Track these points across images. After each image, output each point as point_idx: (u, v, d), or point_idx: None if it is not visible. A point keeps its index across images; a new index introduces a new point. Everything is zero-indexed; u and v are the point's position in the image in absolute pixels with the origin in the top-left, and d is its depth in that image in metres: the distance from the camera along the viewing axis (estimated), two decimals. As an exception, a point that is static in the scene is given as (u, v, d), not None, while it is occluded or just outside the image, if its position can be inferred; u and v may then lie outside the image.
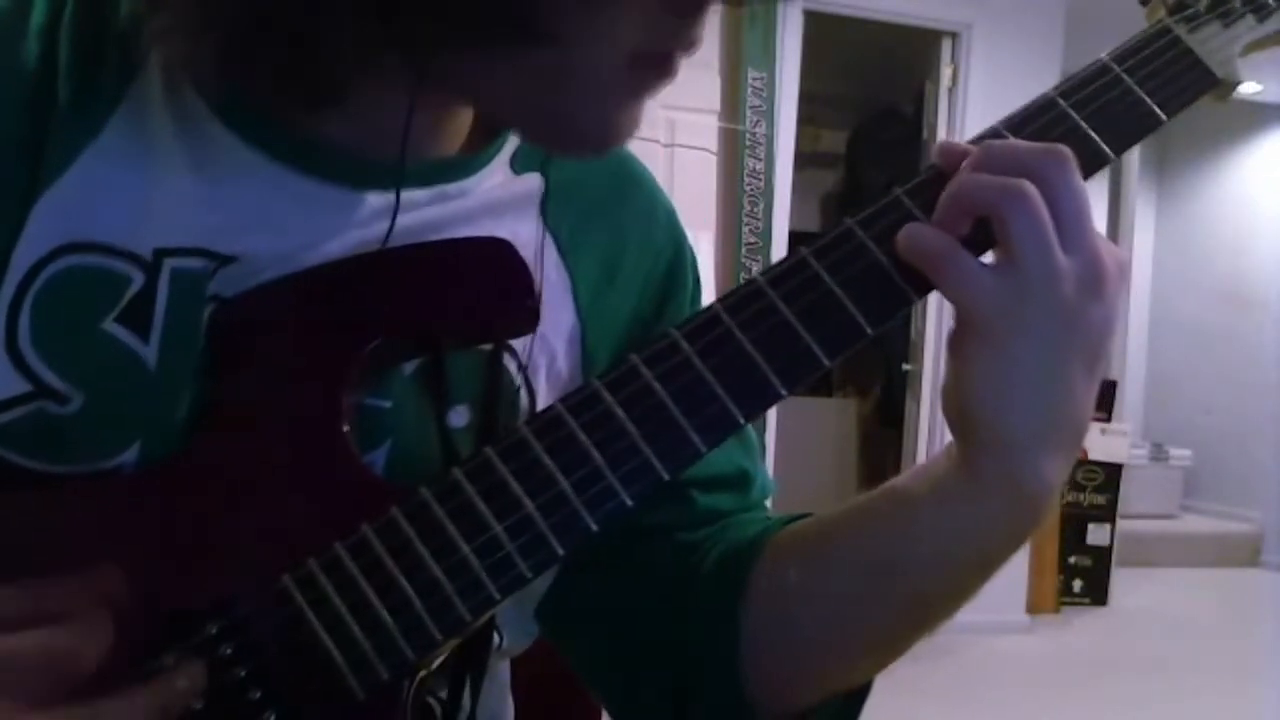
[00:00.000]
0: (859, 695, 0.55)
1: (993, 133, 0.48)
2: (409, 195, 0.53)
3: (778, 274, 0.47)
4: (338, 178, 0.52)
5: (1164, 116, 0.50)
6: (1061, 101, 0.49)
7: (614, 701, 0.62)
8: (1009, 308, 0.43)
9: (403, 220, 0.53)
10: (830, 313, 0.46)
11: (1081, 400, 0.45)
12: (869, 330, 0.46)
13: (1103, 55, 0.50)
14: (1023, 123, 0.49)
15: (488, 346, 0.54)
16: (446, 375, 0.52)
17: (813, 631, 0.53)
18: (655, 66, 0.47)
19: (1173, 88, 0.50)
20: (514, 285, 0.52)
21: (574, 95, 0.47)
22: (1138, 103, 0.50)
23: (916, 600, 0.51)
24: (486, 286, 0.52)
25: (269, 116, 0.51)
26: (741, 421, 0.46)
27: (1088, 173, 0.47)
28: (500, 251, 0.52)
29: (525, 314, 0.52)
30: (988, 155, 0.45)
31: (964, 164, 0.46)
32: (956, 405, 0.46)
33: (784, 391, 0.46)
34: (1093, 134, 0.49)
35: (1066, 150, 0.45)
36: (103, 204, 0.48)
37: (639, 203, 0.65)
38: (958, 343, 0.45)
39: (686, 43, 0.47)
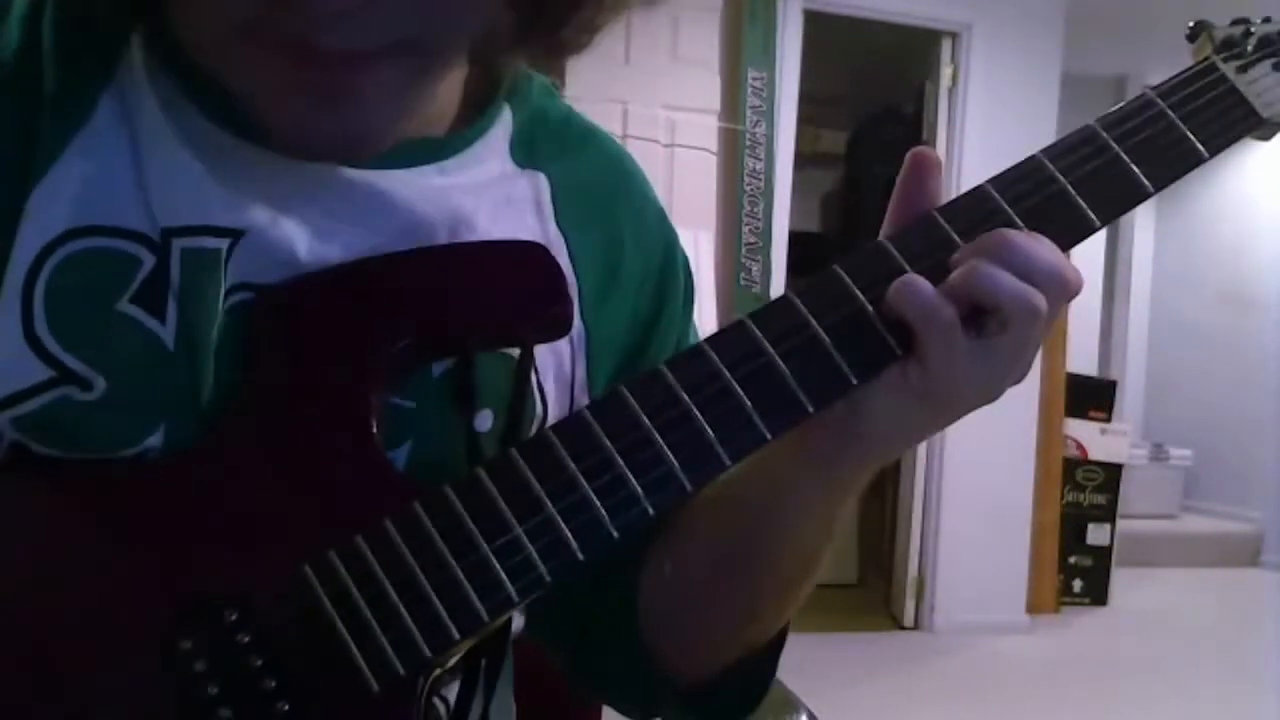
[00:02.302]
0: (769, 653, 0.59)
1: (1033, 164, 0.49)
2: (403, 175, 0.53)
3: (809, 291, 0.47)
4: (320, 157, 0.51)
5: (1206, 154, 0.50)
6: (1104, 134, 0.49)
7: (574, 670, 0.65)
8: (969, 390, 0.48)
9: (417, 201, 0.53)
10: (863, 331, 0.47)
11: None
12: (898, 353, 0.47)
13: (1147, 90, 0.51)
14: (1064, 153, 0.49)
15: (515, 352, 0.54)
16: (476, 378, 0.52)
17: (689, 609, 0.57)
18: (271, 44, 0.45)
19: (1217, 125, 0.51)
20: (548, 289, 0.52)
21: (232, 78, 0.47)
22: (1181, 139, 0.50)
23: (769, 576, 0.55)
24: (521, 290, 0.52)
25: (226, 95, 0.50)
26: (768, 437, 0.46)
27: (1128, 205, 0.49)
28: (535, 255, 0.53)
29: (558, 319, 0.53)
30: (1009, 251, 0.46)
31: (983, 244, 0.47)
32: (857, 419, 0.49)
33: (811, 409, 0.46)
34: (1134, 167, 0.49)
35: (1077, 279, 0.47)
36: (102, 187, 0.48)
37: (633, 202, 0.65)
38: (898, 378, 0.48)
39: (300, 17, 0.43)
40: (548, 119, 0.62)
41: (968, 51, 3.81)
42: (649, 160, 3.21)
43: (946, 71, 3.86)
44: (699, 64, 3.38)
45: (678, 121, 3.33)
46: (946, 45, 3.86)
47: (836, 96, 5.06)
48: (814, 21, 3.65)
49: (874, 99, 5.05)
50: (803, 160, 3.93)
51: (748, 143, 3.51)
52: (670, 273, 0.65)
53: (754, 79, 3.51)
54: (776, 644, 0.59)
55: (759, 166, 3.53)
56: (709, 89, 3.42)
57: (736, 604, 0.56)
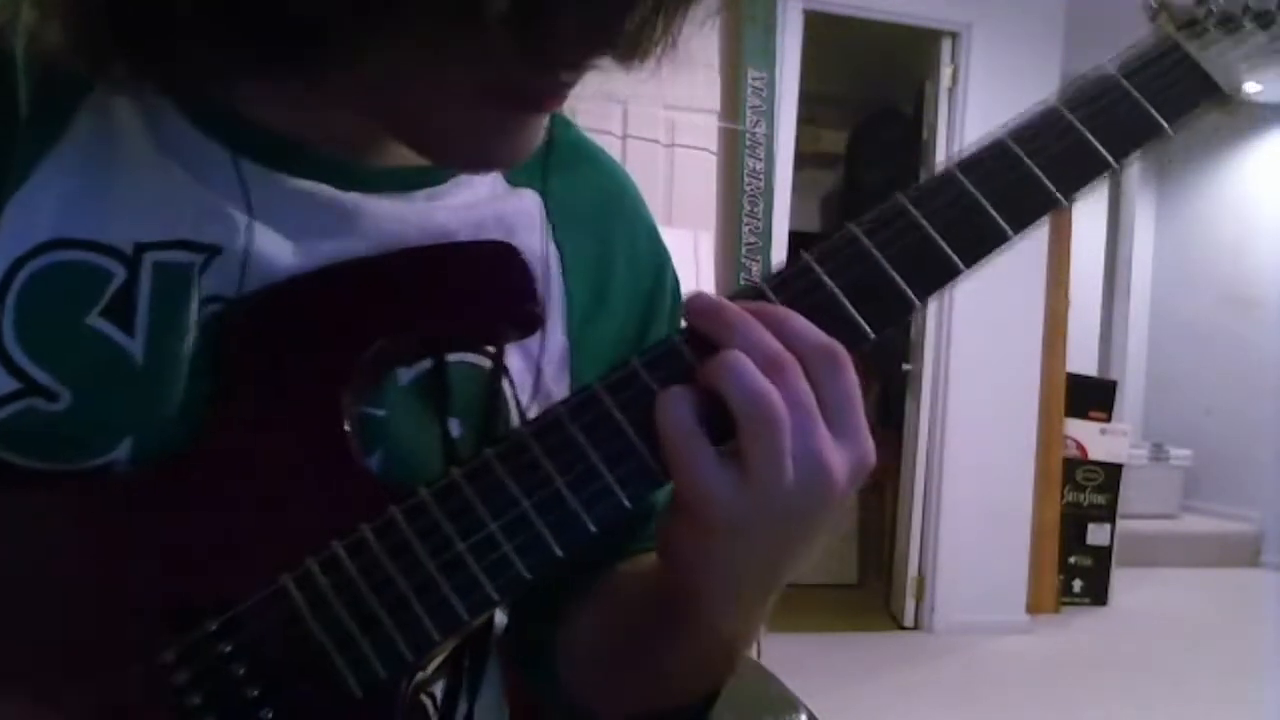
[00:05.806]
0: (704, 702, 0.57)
1: (997, 143, 0.49)
2: (394, 202, 0.53)
3: (780, 280, 0.48)
4: (307, 175, 0.52)
5: (1168, 127, 0.51)
6: (1067, 112, 0.49)
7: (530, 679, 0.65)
8: (735, 512, 0.43)
9: (396, 218, 0.53)
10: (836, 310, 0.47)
11: (791, 569, 0.48)
12: (871, 335, 0.48)
13: (1109, 67, 0.51)
14: (1029, 136, 0.49)
15: (487, 363, 0.54)
16: (448, 381, 0.52)
17: (600, 674, 0.58)
18: (514, 102, 0.46)
19: (1179, 100, 0.51)
20: (516, 288, 0.52)
21: (424, 120, 0.46)
22: (1143, 114, 0.50)
23: (675, 670, 0.54)
24: (489, 288, 0.52)
25: (234, 113, 0.50)
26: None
27: (1090, 180, 0.49)
28: (503, 253, 0.52)
29: (527, 317, 0.52)
30: (749, 339, 0.44)
31: (730, 321, 0.44)
32: (668, 558, 0.48)
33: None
34: (1096, 143, 0.49)
35: (842, 354, 0.45)
36: (76, 202, 0.48)
37: (625, 219, 0.65)
38: (677, 515, 0.46)
39: (551, 85, 0.45)
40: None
41: (968, 51, 3.82)
42: (649, 160, 3.21)
43: (946, 71, 3.86)
44: (699, 64, 3.38)
45: (678, 121, 3.33)
46: (946, 45, 3.87)
47: (836, 96, 5.07)
48: (814, 21, 3.65)
49: (874, 99, 5.06)
50: (803, 160, 3.94)
51: (748, 143, 3.51)
52: (659, 295, 0.65)
53: (754, 79, 3.51)
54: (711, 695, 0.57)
55: (759, 166, 3.54)
56: (709, 89, 3.42)
57: (644, 681, 0.56)
